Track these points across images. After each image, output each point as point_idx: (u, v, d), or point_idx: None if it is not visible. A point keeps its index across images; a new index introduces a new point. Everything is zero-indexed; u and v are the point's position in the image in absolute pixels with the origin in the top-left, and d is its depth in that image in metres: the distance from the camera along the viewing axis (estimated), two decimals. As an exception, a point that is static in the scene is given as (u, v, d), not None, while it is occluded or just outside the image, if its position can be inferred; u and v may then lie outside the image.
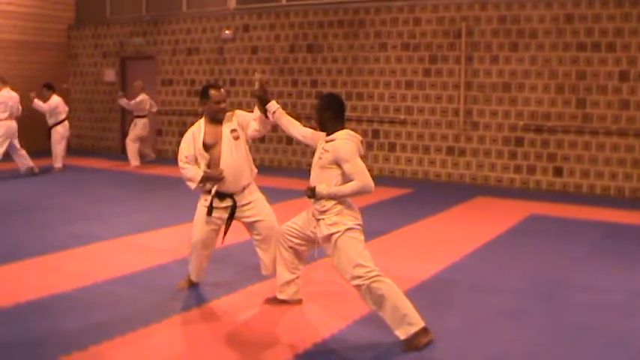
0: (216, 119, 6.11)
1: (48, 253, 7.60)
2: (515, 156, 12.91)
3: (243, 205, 6.12)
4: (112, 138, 18.34)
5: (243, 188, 6.14)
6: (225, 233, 6.23)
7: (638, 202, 11.63)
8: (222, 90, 6.21)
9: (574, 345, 5.17)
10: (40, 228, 8.99)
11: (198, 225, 6.24)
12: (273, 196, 11.11)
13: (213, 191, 6.08)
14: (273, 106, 5.88)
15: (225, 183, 6.03)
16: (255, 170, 6.36)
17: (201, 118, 6.24)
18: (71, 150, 18.55)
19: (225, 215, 6.13)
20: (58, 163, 14.49)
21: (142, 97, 15.27)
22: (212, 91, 6.10)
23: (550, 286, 6.71)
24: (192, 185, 6.06)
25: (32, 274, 6.87)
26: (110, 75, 18.37)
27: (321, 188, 5.23)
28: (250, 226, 6.21)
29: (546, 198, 11.81)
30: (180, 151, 6.14)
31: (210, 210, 6.10)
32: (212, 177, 5.99)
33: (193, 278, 6.49)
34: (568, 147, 12.42)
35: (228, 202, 6.11)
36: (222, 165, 6.02)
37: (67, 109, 14.81)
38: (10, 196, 11.50)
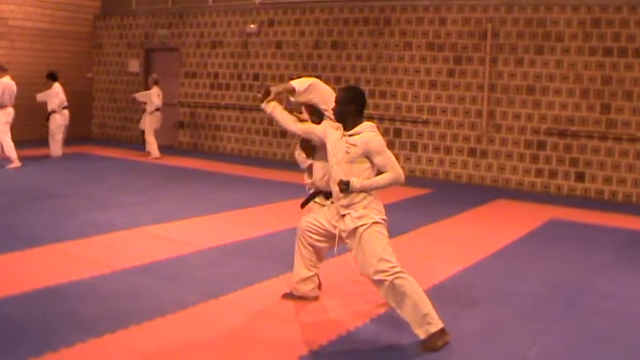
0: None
1: (67, 241, 7.63)
2: (537, 159, 12.83)
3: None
4: (134, 128, 18.36)
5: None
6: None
7: (661, 210, 11.54)
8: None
9: (593, 353, 5.12)
10: (60, 215, 9.03)
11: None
12: (295, 190, 11.15)
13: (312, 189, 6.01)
14: (268, 107, 5.82)
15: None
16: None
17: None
18: (93, 139, 18.71)
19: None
20: (56, 152, 14.52)
21: (151, 90, 15.27)
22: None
23: (570, 291, 6.65)
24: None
25: (51, 261, 6.90)
26: (134, 65, 18.43)
27: (355, 181, 5.16)
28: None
29: (567, 203, 11.73)
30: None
31: (306, 201, 5.95)
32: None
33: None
34: (591, 152, 12.33)
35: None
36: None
37: (63, 99, 14.64)
38: (32, 183, 11.55)
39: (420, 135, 13.96)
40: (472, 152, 13.48)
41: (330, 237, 5.56)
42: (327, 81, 14.72)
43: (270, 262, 7.07)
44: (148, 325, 5.21)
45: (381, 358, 4.88)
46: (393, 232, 5.64)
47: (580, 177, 12.47)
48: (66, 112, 14.64)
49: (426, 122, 13.85)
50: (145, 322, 5.24)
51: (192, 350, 4.81)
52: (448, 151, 13.67)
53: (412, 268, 5.21)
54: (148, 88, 15.82)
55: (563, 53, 12.47)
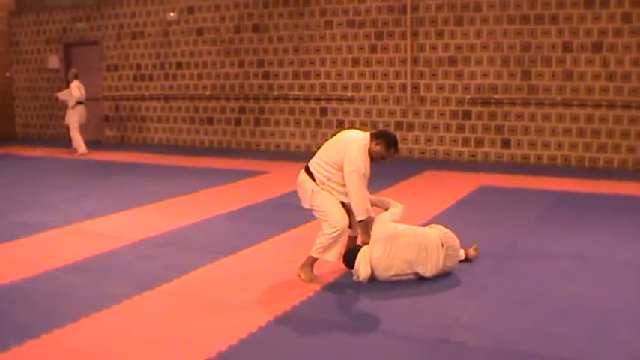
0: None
1: (-4, 244, 7.49)
2: (463, 129, 13.03)
3: None
4: (59, 126, 18.05)
5: None
6: None
7: (584, 170, 11.85)
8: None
9: (523, 312, 5.24)
10: (-13, 218, 8.86)
11: (339, 209, 6.06)
12: (224, 176, 11.13)
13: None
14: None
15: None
16: None
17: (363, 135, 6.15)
18: (17, 139, 18.33)
19: None
20: None
21: (71, 84, 15.05)
22: (393, 150, 6.16)
23: (500, 255, 6.79)
24: (364, 215, 6.01)
25: (-20, 265, 6.77)
26: (54, 62, 18.08)
27: None
28: None
29: (495, 170, 11.95)
30: (358, 160, 5.95)
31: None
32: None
33: (335, 259, 6.16)
34: (515, 119, 12.57)
35: None
36: None
37: None
38: (-44, 188, 11.29)
39: (346, 112, 14.04)
40: (399, 126, 13.61)
41: None
42: (250, 65, 14.76)
43: (202, 250, 7.06)
44: (84, 321, 5.15)
45: (318, 337, 4.93)
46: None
47: (506, 144, 12.72)
48: None
49: (351, 99, 13.93)
50: (81, 318, 5.19)
51: (130, 343, 4.79)
52: (375, 126, 13.75)
53: (344, 245, 5.26)
54: (69, 84, 15.56)
55: (482, 23, 12.66)
